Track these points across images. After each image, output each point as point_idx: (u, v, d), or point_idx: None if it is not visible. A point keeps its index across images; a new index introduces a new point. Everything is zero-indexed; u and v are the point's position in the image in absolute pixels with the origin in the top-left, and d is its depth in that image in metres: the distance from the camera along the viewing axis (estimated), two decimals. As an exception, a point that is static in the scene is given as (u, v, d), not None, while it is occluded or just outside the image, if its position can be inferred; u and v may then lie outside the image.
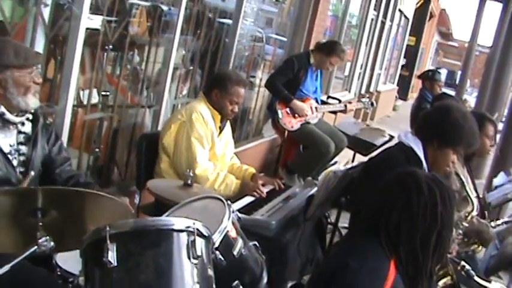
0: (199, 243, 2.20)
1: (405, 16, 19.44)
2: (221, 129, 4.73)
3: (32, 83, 2.97)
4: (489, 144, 4.86)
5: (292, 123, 6.93)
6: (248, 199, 4.48)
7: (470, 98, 21.64)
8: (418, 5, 22.44)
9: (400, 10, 17.32)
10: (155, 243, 2.12)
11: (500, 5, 17.38)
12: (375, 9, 13.78)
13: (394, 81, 21.43)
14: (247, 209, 4.30)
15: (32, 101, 2.99)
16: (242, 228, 3.22)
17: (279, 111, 6.88)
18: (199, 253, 2.16)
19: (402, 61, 22.51)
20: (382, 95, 17.32)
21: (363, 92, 14.89)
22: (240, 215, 4.06)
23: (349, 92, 13.48)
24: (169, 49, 5.58)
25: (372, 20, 13.97)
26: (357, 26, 13.37)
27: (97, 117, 5.18)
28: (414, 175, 2.64)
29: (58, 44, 4.66)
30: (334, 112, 8.05)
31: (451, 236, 2.65)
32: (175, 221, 2.20)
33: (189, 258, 2.14)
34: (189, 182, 3.74)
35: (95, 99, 5.11)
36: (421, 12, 23.92)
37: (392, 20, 16.52)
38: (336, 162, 6.54)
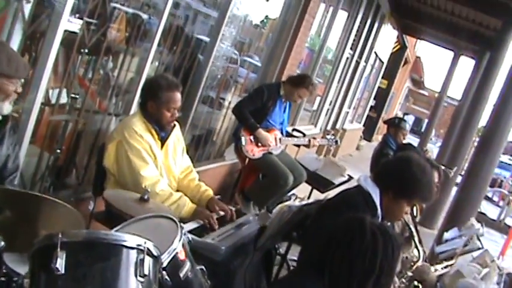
0: (148, 262, 2.23)
1: (380, 59, 19.67)
2: (163, 140, 4.60)
3: (13, 92, 3.00)
4: None
5: (254, 152, 6.98)
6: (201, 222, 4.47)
7: (434, 148, 21.96)
8: (395, 49, 22.76)
9: (375, 53, 17.53)
10: (105, 257, 2.14)
11: (472, 62, 17.79)
12: (351, 49, 13.94)
13: (361, 120, 21.62)
14: (198, 231, 4.33)
15: (6, 107, 3.03)
16: (192, 250, 3.25)
17: (243, 138, 6.92)
18: (146, 272, 2.19)
19: (372, 102, 22.73)
20: (348, 133, 17.48)
21: (328, 127, 15.02)
22: (190, 236, 4.12)
23: (315, 126, 13.54)
24: (144, 59, 5.57)
25: (347, 58, 14.11)
26: (331, 62, 13.49)
27: (63, 119, 5.15)
28: (361, 220, 2.71)
29: (34, 41, 4.66)
30: (298, 145, 8.13)
31: (390, 284, 2.70)
32: (128, 237, 2.22)
33: (135, 275, 2.17)
34: (146, 197, 3.73)
35: (63, 99, 5.10)
36: (397, 57, 24.24)
37: (367, 61, 16.72)
38: (292, 195, 6.62)
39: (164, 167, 4.61)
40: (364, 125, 22.49)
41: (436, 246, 6.24)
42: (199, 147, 7.65)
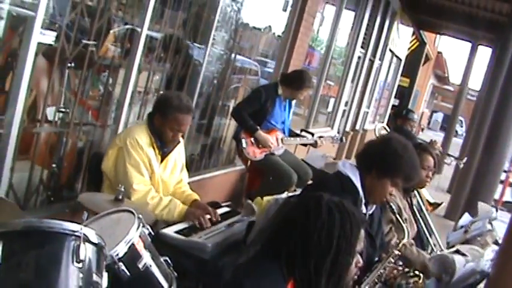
0: (85, 248, 2.25)
1: (397, 56, 19.56)
2: (164, 154, 4.63)
3: None
4: (425, 175, 4.95)
5: (256, 153, 6.99)
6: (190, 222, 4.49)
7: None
8: (413, 46, 22.64)
9: (391, 50, 17.44)
10: (39, 244, 2.18)
11: (490, 51, 17.62)
12: (362, 47, 13.86)
13: (383, 120, 21.49)
14: (187, 231, 4.35)
15: None
16: (178, 250, 3.27)
17: (243, 141, 6.94)
18: (82, 257, 2.21)
19: (395, 101, 22.59)
20: (369, 133, 17.38)
21: (347, 129, 14.97)
22: (175, 235, 4.15)
23: (332, 128, 13.50)
24: (129, 70, 5.60)
25: (359, 57, 14.05)
26: (342, 62, 13.47)
27: (54, 131, 5.21)
28: (317, 198, 2.66)
29: (15, 57, 4.73)
30: (304, 145, 8.12)
31: (350, 263, 2.63)
32: (63, 224, 2.25)
33: (72, 262, 2.19)
34: (120, 197, 3.76)
35: (53, 114, 5.18)
36: (416, 54, 24.09)
37: (382, 59, 16.63)
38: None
39: (160, 181, 4.64)
40: (387, 124, 22.31)
41: (449, 233, 6.19)
42: (206, 155, 7.71)
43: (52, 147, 5.29)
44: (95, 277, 2.28)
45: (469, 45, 21.96)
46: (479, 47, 21.14)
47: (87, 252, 2.25)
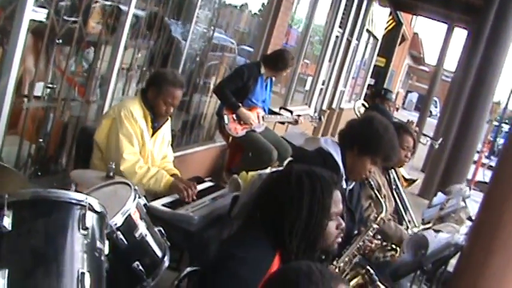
0: (90, 217, 2.39)
1: (374, 36, 19.71)
2: (154, 129, 4.78)
3: None
4: (404, 155, 5.12)
5: (238, 130, 7.15)
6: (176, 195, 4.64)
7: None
8: (390, 26, 22.77)
9: (368, 30, 17.58)
10: (47, 213, 2.31)
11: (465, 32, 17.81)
12: (340, 27, 13.96)
13: (359, 100, 21.61)
14: (174, 204, 4.50)
15: None
16: (166, 222, 3.41)
17: (226, 117, 7.10)
18: (88, 225, 2.35)
19: (370, 81, 22.76)
20: (345, 112, 17.56)
21: (324, 107, 15.13)
22: (163, 208, 4.29)
23: (309, 106, 13.64)
24: (116, 48, 5.72)
25: (337, 37, 14.17)
26: (320, 41, 13.59)
27: (41, 106, 5.31)
28: (288, 167, 2.84)
29: (6, 34, 4.81)
30: (283, 123, 8.28)
31: (325, 225, 2.73)
32: (69, 194, 2.39)
33: (78, 229, 2.33)
34: (111, 173, 3.86)
35: (41, 90, 5.27)
36: (392, 34, 24.22)
37: (359, 39, 16.77)
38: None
39: (149, 154, 4.78)
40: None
41: (424, 211, 6.37)
42: (187, 132, 7.84)
43: (39, 122, 5.39)
44: (98, 244, 2.42)
45: (445, 26, 22.16)
46: (455, 28, 21.32)
47: (91, 220, 2.39)
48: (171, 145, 5.21)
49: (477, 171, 16.70)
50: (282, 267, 2.44)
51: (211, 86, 8.43)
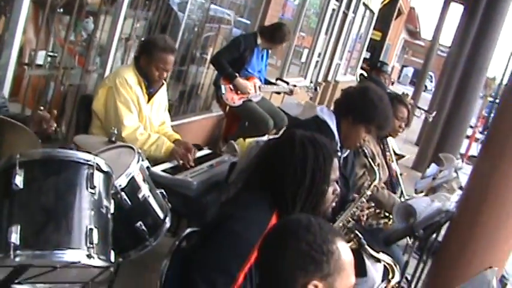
0: (98, 176, 2.51)
1: (370, 10, 19.70)
2: (150, 95, 4.81)
3: None
4: (398, 125, 5.24)
5: (234, 99, 7.24)
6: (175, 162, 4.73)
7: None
8: (386, 1, 22.75)
9: (364, 4, 17.59)
10: (57, 171, 2.43)
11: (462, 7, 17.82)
12: (337, 0, 13.99)
13: (354, 73, 21.68)
14: (173, 170, 4.62)
15: None
16: (165, 187, 3.53)
17: (223, 87, 7.18)
18: (95, 184, 2.47)
19: (366, 54, 22.78)
20: (341, 85, 17.59)
21: (320, 80, 15.20)
22: (163, 174, 4.40)
23: (305, 78, 13.70)
24: (116, 18, 5.79)
25: (334, 10, 14.17)
26: (317, 14, 13.62)
27: (43, 74, 5.39)
28: (291, 133, 2.90)
29: (8, 2, 4.89)
30: (279, 93, 8.39)
31: (326, 191, 2.83)
32: (78, 154, 2.52)
33: (86, 188, 2.45)
34: (113, 139, 3.98)
35: (42, 58, 5.35)
36: (389, 8, 24.21)
37: (355, 12, 16.77)
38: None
39: (147, 120, 4.84)
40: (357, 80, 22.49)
41: (417, 181, 6.52)
42: (184, 102, 7.93)
43: (40, 90, 5.48)
44: (105, 202, 2.54)
45: (441, 1, 22.17)
46: (451, 3, 21.36)
47: (98, 179, 2.51)
48: (169, 114, 5.28)
49: (471, 145, 16.83)
50: (282, 219, 2.54)
51: (208, 57, 8.53)
